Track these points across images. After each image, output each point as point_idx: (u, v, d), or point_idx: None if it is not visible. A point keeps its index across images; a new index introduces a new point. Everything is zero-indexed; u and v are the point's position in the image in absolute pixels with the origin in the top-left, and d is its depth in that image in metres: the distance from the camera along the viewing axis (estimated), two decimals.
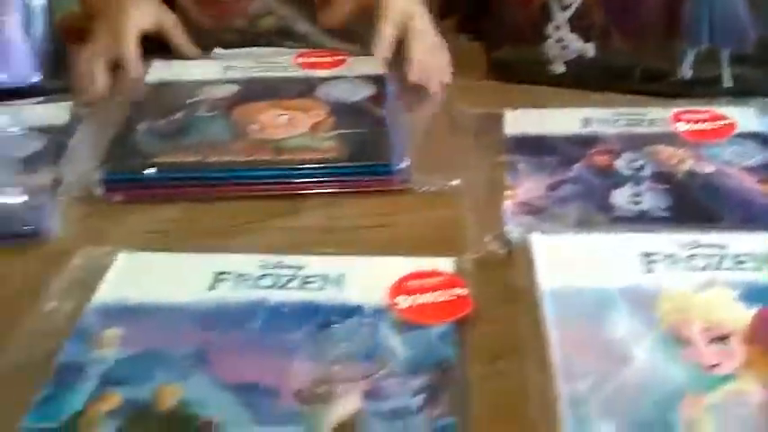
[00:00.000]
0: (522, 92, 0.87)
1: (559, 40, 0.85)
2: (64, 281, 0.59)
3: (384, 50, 0.84)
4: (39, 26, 0.86)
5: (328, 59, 0.88)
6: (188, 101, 0.80)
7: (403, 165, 0.70)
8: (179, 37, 0.90)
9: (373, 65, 0.84)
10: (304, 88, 0.82)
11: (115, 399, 0.48)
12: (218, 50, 0.94)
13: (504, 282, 0.58)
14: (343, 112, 0.77)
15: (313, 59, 0.88)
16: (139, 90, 0.83)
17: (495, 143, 0.76)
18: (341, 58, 0.88)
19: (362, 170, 0.70)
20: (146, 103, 0.81)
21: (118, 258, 0.60)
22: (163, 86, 0.84)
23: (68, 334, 0.54)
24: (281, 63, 0.88)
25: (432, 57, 0.85)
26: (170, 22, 0.90)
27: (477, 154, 0.74)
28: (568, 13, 0.84)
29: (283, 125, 0.76)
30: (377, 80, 0.83)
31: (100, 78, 0.84)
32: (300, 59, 0.88)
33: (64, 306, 0.56)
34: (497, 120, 0.79)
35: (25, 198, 0.68)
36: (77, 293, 0.57)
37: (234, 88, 0.83)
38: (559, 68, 0.87)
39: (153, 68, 0.86)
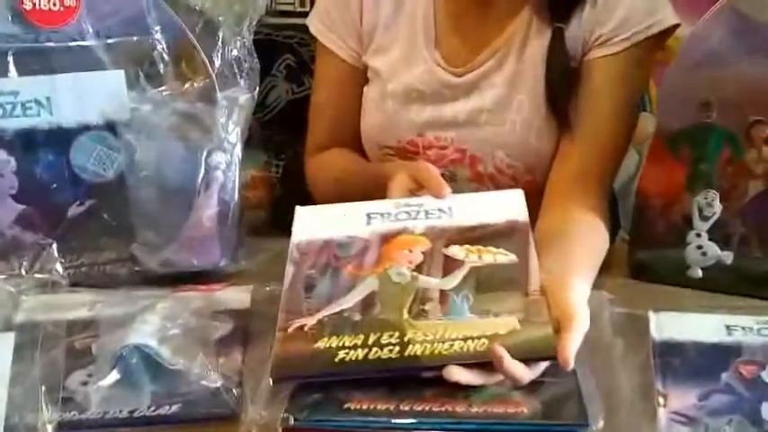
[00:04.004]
0: (663, 292, 0.93)
1: (699, 247, 0.92)
2: None
3: None
4: (230, 217, 0.98)
5: None
6: None
7: (599, 425, 0.67)
8: None
9: None
10: None
11: None
12: None
13: None
14: None
15: None
16: None
17: (643, 346, 0.81)
18: None
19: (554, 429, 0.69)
20: None
21: None
22: None
23: None
24: None
25: None
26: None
27: (625, 358, 0.79)
28: (709, 222, 0.91)
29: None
30: None
31: None
32: None
33: None
34: (642, 321, 0.85)
35: (221, 382, 0.76)
36: None
37: None
38: (698, 273, 0.93)
39: None
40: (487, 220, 0.84)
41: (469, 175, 1.11)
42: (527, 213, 0.85)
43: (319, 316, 0.76)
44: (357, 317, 0.76)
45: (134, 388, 0.75)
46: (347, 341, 0.73)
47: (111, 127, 0.93)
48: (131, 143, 0.93)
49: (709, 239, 0.92)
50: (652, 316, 0.85)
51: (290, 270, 0.81)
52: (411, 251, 0.82)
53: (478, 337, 0.72)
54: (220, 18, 0.94)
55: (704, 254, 0.92)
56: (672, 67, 0.92)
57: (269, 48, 1.40)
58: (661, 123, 0.93)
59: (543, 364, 0.71)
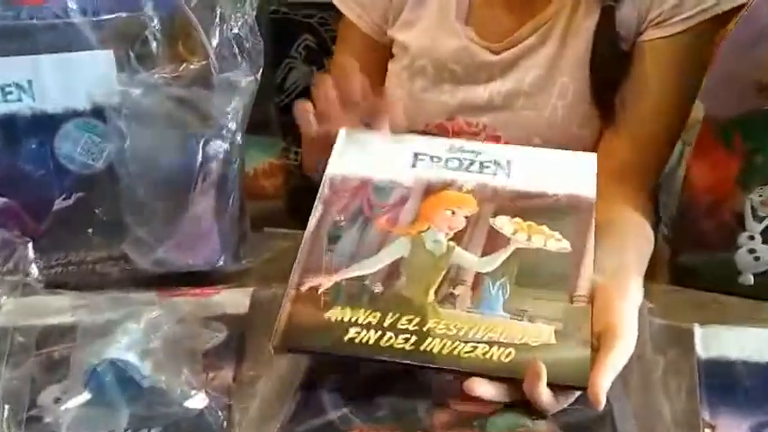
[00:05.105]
0: (708, 301, 0.84)
1: (752, 251, 0.82)
2: None
3: None
4: (231, 211, 0.89)
5: None
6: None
7: None
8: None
9: None
10: None
11: None
12: None
13: None
14: None
15: None
16: None
17: (687, 365, 0.72)
18: None
19: None
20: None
21: None
22: None
23: None
24: None
25: None
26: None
27: (667, 379, 0.70)
28: (764, 224, 0.81)
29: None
30: None
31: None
32: None
33: None
34: (686, 335, 0.75)
35: (206, 402, 0.68)
36: None
37: None
38: (749, 280, 0.84)
39: None
40: (548, 189, 0.75)
41: None
42: (595, 186, 0.76)
43: (337, 278, 0.69)
44: (378, 288, 0.69)
45: (109, 408, 0.67)
46: (361, 316, 0.66)
47: (99, 113, 0.85)
48: (122, 130, 0.84)
49: (763, 242, 0.82)
50: (697, 329, 0.75)
51: (318, 209, 0.75)
52: (454, 213, 0.73)
53: (505, 345, 0.64)
54: None
55: (757, 258, 0.83)
56: (723, 48, 0.81)
57: (287, 28, 1.34)
58: (710, 110, 0.83)
59: (573, 396, 0.63)
